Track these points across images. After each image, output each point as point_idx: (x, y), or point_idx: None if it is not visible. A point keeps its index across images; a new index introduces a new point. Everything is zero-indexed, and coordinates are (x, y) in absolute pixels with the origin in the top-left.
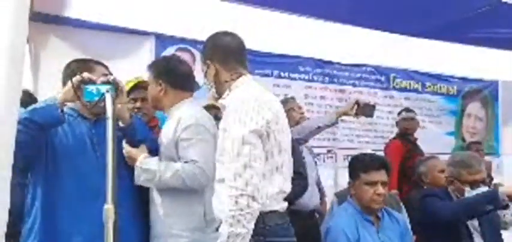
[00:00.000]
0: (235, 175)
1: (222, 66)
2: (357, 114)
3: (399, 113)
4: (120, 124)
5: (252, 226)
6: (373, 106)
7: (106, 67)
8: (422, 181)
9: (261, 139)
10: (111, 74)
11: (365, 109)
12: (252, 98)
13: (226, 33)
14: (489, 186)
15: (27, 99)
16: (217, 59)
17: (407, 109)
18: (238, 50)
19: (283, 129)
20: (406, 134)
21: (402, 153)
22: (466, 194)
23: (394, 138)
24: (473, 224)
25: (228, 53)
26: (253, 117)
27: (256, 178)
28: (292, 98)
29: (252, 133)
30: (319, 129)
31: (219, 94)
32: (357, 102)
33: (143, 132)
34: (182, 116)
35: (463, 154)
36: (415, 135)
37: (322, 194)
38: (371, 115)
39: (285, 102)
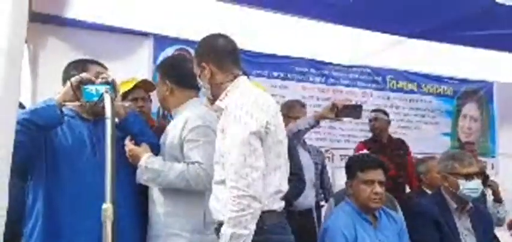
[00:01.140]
0: (236, 176)
1: (218, 67)
2: (337, 117)
3: None
4: (115, 120)
5: (253, 226)
6: (360, 107)
7: (102, 65)
8: (421, 180)
9: (260, 140)
10: (107, 71)
11: (348, 111)
12: (250, 99)
13: (219, 35)
14: (485, 184)
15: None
16: (213, 60)
17: (373, 110)
18: (233, 51)
19: (280, 129)
20: (374, 135)
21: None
22: (461, 188)
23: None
24: (466, 225)
25: (223, 55)
26: (253, 117)
27: (257, 179)
28: (303, 106)
29: (252, 134)
30: (299, 132)
31: (215, 96)
32: (334, 104)
33: (139, 126)
34: (190, 116)
35: (453, 151)
36: (409, 135)
37: (329, 195)
38: (357, 117)
39: (291, 106)
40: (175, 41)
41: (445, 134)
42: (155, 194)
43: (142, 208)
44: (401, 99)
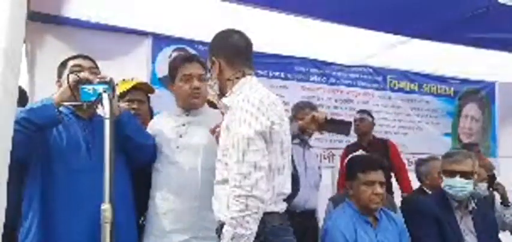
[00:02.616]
0: (240, 175)
1: (227, 63)
2: (320, 130)
3: None
4: None
5: (255, 227)
6: (349, 123)
7: (88, 58)
8: (423, 181)
9: (264, 140)
10: (94, 63)
11: (334, 126)
12: (256, 99)
13: (234, 32)
14: (492, 186)
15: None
16: (223, 56)
17: (358, 111)
18: (245, 49)
19: (285, 130)
20: (359, 138)
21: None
22: (442, 185)
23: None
24: (468, 224)
25: (233, 51)
26: (258, 117)
27: (260, 179)
28: (313, 108)
29: (256, 134)
30: None
31: (222, 92)
32: (314, 117)
33: (134, 126)
34: None
35: (452, 150)
36: (410, 135)
37: None
38: (345, 133)
39: (300, 108)
40: (174, 40)
41: (446, 134)
42: (195, 185)
43: (138, 208)
44: (402, 99)
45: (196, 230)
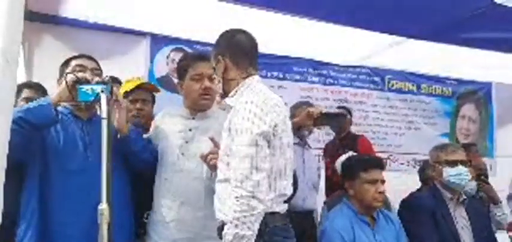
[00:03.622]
0: (242, 176)
1: (233, 63)
2: (316, 125)
3: None
4: (118, 135)
5: (257, 227)
6: (343, 116)
7: (90, 58)
8: (428, 184)
9: (267, 142)
10: (97, 64)
11: (329, 120)
12: (260, 100)
13: (240, 31)
14: (483, 178)
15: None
16: (229, 55)
17: (338, 107)
18: (251, 49)
19: (288, 132)
20: (336, 133)
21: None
22: (444, 175)
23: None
24: (462, 215)
25: (239, 51)
26: (261, 119)
27: (262, 180)
28: (311, 106)
29: (259, 135)
30: None
31: (225, 91)
32: (310, 113)
33: (142, 143)
34: None
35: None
36: (408, 135)
37: None
38: (340, 124)
39: (298, 108)
40: (172, 40)
41: (444, 135)
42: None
43: (138, 202)
44: (400, 99)
45: (201, 240)
